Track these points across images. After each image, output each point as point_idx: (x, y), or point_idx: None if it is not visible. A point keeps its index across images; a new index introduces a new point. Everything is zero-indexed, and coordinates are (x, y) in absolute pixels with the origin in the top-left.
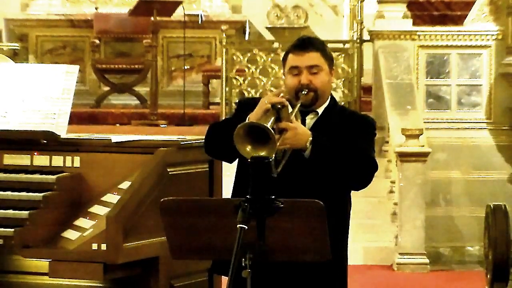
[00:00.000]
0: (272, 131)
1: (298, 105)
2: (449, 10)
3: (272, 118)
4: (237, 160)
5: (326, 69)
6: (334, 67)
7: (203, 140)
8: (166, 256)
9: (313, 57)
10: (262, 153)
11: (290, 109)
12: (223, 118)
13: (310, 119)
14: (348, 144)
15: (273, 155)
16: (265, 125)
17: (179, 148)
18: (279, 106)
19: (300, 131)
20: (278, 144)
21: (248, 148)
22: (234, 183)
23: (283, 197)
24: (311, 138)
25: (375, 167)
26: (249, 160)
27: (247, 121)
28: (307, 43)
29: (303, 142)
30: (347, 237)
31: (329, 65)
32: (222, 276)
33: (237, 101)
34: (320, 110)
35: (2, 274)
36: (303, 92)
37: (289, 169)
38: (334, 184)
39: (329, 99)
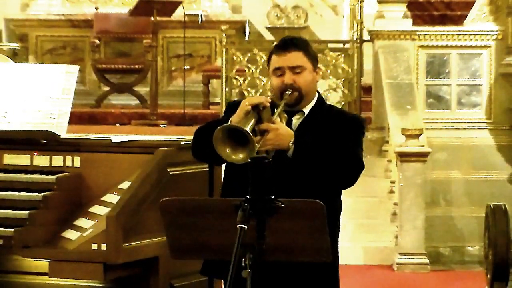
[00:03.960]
0: (250, 133)
1: (282, 105)
2: (449, 10)
3: (253, 120)
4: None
5: (309, 68)
6: (319, 66)
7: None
8: (166, 256)
9: (295, 57)
10: (242, 155)
11: (275, 110)
12: (208, 121)
13: (296, 119)
14: (333, 143)
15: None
16: (242, 127)
17: (179, 148)
18: (260, 107)
19: (282, 131)
20: (260, 145)
21: (228, 150)
22: (222, 184)
23: None
24: (293, 139)
25: (360, 166)
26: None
27: (228, 123)
28: (288, 43)
29: (285, 143)
30: (337, 238)
31: (312, 63)
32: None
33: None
34: (307, 110)
35: (2, 274)
36: (287, 92)
37: (273, 169)
38: (319, 183)
39: (315, 98)
